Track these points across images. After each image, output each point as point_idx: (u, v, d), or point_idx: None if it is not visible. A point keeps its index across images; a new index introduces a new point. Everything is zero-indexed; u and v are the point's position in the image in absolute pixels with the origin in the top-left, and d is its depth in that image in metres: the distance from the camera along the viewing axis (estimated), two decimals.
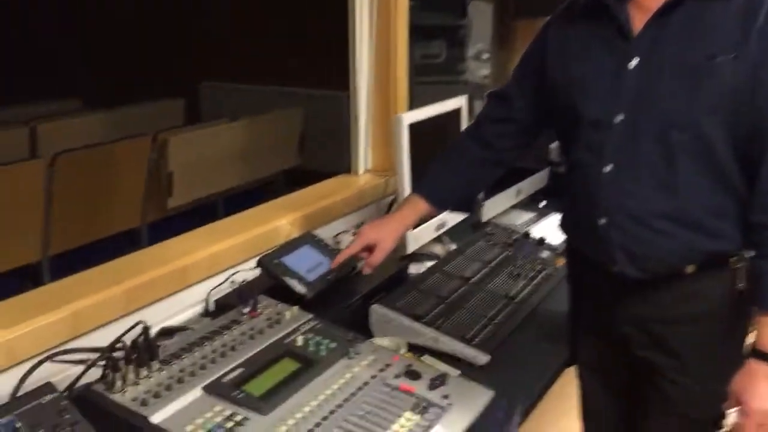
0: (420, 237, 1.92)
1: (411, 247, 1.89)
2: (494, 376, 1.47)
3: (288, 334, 1.37)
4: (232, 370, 1.25)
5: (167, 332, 1.55)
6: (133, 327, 1.45)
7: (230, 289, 1.66)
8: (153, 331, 1.51)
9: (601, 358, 1.56)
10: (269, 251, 1.65)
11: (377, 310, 1.59)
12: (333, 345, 1.36)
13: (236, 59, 5.29)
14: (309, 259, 1.65)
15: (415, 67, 3.69)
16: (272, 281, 1.59)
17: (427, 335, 1.54)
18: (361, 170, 2.29)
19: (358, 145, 2.27)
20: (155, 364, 1.22)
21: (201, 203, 3.75)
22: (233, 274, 1.66)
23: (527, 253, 2.00)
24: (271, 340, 1.35)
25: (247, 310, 1.41)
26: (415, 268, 1.94)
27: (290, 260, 1.62)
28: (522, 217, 2.38)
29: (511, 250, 1.98)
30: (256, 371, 1.26)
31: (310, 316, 1.45)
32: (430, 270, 1.82)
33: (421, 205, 1.61)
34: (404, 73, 2.30)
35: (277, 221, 1.87)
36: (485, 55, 4.72)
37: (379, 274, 1.75)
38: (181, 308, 1.62)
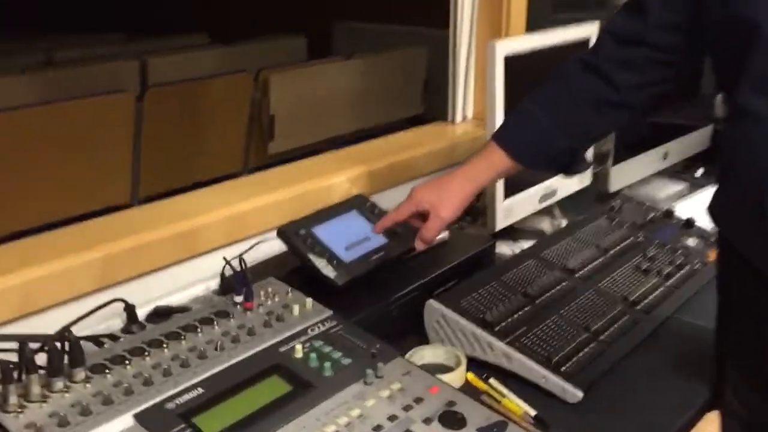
0: (514, 210, 1.45)
1: (501, 222, 1.43)
2: (587, 425, 1.01)
3: (286, 340, 0.98)
4: (188, 390, 0.88)
5: (162, 313, 1.20)
6: (105, 305, 1.12)
7: (255, 262, 1.29)
8: (142, 312, 1.18)
9: (757, 410, 1.05)
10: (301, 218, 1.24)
11: (433, 308, 1.16)
12: (346, 361, 0.95)
13: None
14: (352, 232, 1.24)
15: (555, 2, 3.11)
16: (299, 260, 1.20)
17: (497, 350, 1.09)
18: (458, 118, 1.84)
19: (456, 86, 1.81)
20: (80, 373, 0.87)
21: (308, 151, 3.42)
22: (257, 244, 1.28)
23: (667, 238, 1.47)
24: (259, 348, 0.96)
25: (239, 299, 1.03)
26: (507, 248, 1.49)
27: (324, 231, 1.21)
28: (668, 189, 1.83)
29: (642, 234, 1.47)
30: (221, 394, 0.88)
31: (328, 313, 1.04)
32: (521, 255, 1.35)
33: (499, 159, 1.13)
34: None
35: (332, 177, 1.47)
36: None
37: (455, 255, 1.31)
38: (188, 283, 1.27)
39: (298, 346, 0.95)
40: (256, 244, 1.26)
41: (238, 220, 1.30)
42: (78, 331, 1.08)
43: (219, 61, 3.76)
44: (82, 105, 2.73)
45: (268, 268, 1.24)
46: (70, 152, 2.71)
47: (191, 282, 1.27)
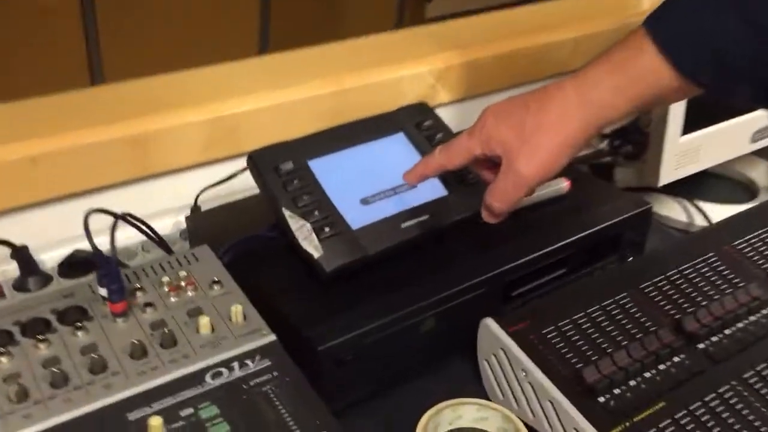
0: (701, 152, 0.84)
1: (670, 172, 0.83)
2: None
3: (148, 396, 0.51)
4: None
5: (79, 262, 0.78)
6: None
7: (232, 198, 0.82)
8: (50, 256, 0.77)
9: None
10: (301, 138, 0.74)
11: (489, 332, 0.63)
12: None
13: None
14: (385, 171, 0.71)
15: None
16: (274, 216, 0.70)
17: None
18: None
19: None
20: None
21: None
22: (229, 179, 0.80)
23: None
24: (89, 407, 0.50)
25: (104, 292, 0.57)
26: (680, 210, 0.89)
27: (331, 167, 0.70)
28: None
29: None
30: None
31: (267, 338, 0.56)
32: (692, 242, 0.76)
33: (650, 68, 0.53)
34: None
35: (408, 66, 0.93)
36: None
37: (572, 225, 0.75)
38: (143, 214, 0.83)
39: (155, 421, 0.48)
40: (227, 179, 0.79)
41: (224, 124, 0.83)
42: None
43: None
44: None
45: (235, 216, 0.77)
46: None
47: (148, 213, 0.83)
